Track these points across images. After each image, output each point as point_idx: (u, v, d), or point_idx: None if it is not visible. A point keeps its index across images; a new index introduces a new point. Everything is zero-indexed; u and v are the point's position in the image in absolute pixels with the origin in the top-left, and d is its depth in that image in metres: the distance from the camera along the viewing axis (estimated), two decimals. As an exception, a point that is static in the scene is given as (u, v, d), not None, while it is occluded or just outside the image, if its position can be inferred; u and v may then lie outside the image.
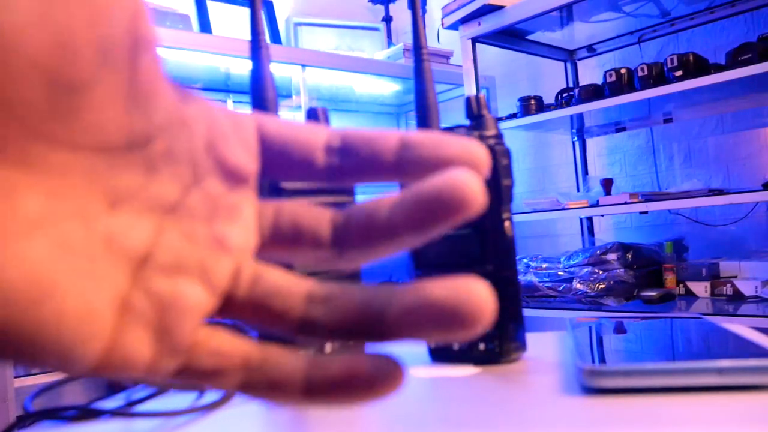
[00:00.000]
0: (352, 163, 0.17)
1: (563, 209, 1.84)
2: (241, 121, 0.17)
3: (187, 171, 0.15)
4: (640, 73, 1.62)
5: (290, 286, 0.16)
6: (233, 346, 0.15)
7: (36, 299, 0.12)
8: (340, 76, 2.18)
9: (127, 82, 0.14)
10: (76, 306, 0.13)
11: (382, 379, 0.15)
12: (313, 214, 0.17)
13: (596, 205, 1.77)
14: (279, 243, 0.17)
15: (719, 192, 1.61)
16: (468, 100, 0.42)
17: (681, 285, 1.76)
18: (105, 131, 0.14)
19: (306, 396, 0.15)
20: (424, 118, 0.45)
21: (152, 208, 0.15)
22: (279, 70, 1.90)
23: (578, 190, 2.13)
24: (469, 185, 0.14)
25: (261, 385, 0.15)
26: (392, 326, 0.15)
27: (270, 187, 0.37)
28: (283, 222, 0.17)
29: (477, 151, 0.16)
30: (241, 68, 1.92)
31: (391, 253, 0.16)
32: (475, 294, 0.14)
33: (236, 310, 0.16)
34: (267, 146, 0.17)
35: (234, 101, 2.13)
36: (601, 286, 1.78)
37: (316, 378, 0.15)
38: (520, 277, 0.46)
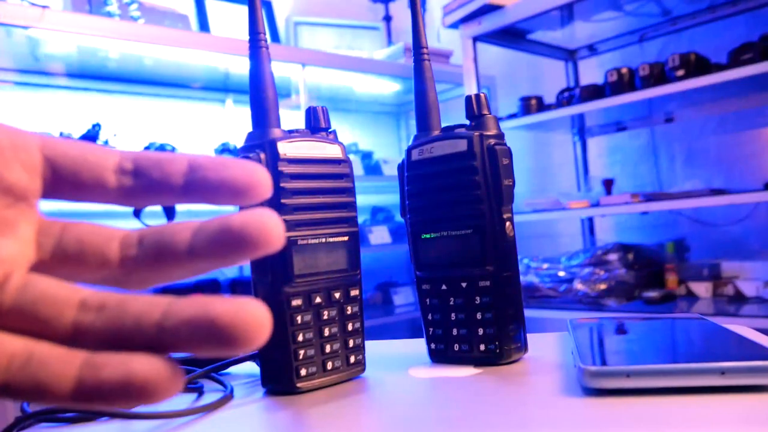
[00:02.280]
0: (143, 184, 0.17)
1: (564, 209, 1.84)
2: (21, 140, 0.17)
3: None
4: (641, 73, 1.62)
5: (62, 293, 0.16)
6: None
7: None
8: (339, 75, 2.18)
9: None
10: None
11: (157, 383, 0.14)
12: (102, 234, 0.17)
13: (597, 205, 1.77)
14: (63, 261, 0.17)
15: (721, 192, 1.61)
16: (468, 99, 0.42)
17: (682, 285, 1.76)
18: None
19: (75, 400, 0.15)
20: (424, 117, 0.45)
21: None
22: (278, 70, 1.90)
23: (579, 190, 2.12)
24: (273, 226, 0.16)
25: (25, 387, 0.15)
26: (167, 338, 0.15)
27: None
28: (69, 240, 0.17)
29: (259, 174, 0.17)
30: (241, 68, 1.92)
31: (182, 277, 0.17)
32: (252, 313, 0.14)
33: (3, 318, 0.15)
34: (54, 166, 0.17)
35: (233, 101, 2.13)
36: (602, 286, 1.78)
37: (88, 382, 0.14)
38: (521, 278, 0.46)
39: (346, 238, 0.40)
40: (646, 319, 0.47)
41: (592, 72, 2.14)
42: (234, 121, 2.11)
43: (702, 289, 1.70)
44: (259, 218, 0.16)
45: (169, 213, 1.49)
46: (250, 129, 0.39)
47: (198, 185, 0.17)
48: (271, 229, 0.16)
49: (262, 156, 0.37)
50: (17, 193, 0.17)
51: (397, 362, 0.44)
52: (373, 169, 2.25)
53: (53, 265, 0.17)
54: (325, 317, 0.39)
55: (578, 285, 1.82)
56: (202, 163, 0.17)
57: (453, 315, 0.43)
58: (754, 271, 1.67)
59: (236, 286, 1.99)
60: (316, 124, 0.41)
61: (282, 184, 0.37)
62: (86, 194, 0.18)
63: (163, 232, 0.17)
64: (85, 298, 0.16)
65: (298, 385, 0.38)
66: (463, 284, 0.42)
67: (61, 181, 0.17)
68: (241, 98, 2.12)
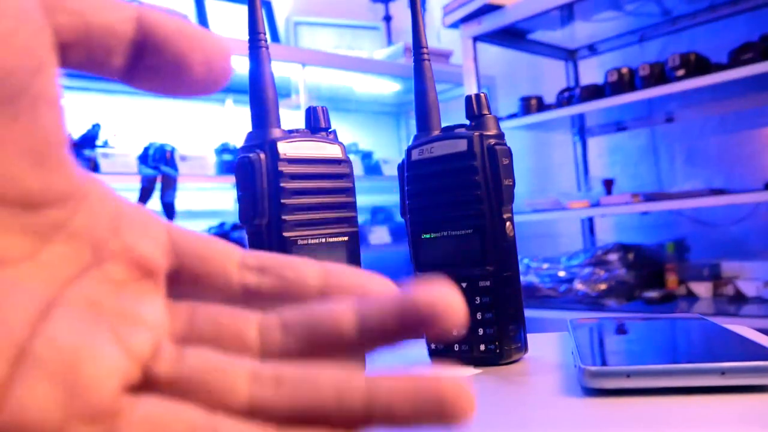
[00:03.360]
0: (269, 284, 0.16)
1: (564, 209, 1.84)
2: (152, 219, 0.16)
3: (87, 250, 0.14)
4: (642, 73, 1.62)
5: (227, 363, 0.14)
6: (170, 418, 0.13)
7: None
8: (339, 75, 2.18)
9: (25, 135, 0.13)
10: None
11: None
12: (239, 316, 0.15)
13: (597, 205, 1.77)
14: (198, 344, 0.15)
15: (721, 192, 1.61)
16: (468, 99, 0.42)
17: (682, 285, 1.76)
18: None
19: None
20: (424, 117, 0.45)
21: (46, 278, 0.13)
22: (278, 70, 1.90)
23: (579, 190, 2.12)
24: (458, 302, 0.14)
25: None
26: (378, 414, 0.13)
27: (270, 187, 0.37)
28: (202, 323, 0.15)
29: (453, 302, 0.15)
30: (241, 67, 1.92)
31: (337, 362, 0.15)
32: (460, 389, 0.14)
33: (164, 390, 0.14)
34: (178, 252, 0.16)
35: (233, 101, 2.13)
36: (602, 286, 1.78)
37: None
38: (521, 278, 0.46)
39: (346, 238, 0.40)
40: (647, 320, 0.47)
41: (592, 72, 2.14)
42: (234, 121, 2.11)
43: (702, 289, 1.70)
44: (445, 293, 0.14)
45: (169, 212, 1.49)
46: (249, 129, 0.39)
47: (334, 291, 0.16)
48: (458, 306, 0.14)
49: (262, 156, 0.37)
50: (146, 268, 0.15)
51: (396, 362, 0.44)
52: (373, 169, 2.25)
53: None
54: (325, 317, 0.39)
55: (578, 285, 1.82)
56: (338, 271, 0.16)
57: (453, 315, 0.43)
58: (755, 271, 1.67)
59: None
60: (316, 124, 0.40)
61: (282, 184, 0.37)
62: (205, 289, 0.16)
63: (313, 314, 0.15)
64: (255, 370, 0.14)
65: (298, 385, 0.37)
66: (463, 284, 0.42)
67: (183, 271, 0.16)
68: (241, 98, 2.12)
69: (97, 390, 0.12)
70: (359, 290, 0.16)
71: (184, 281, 0.16)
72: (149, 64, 0.16)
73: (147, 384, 0.14)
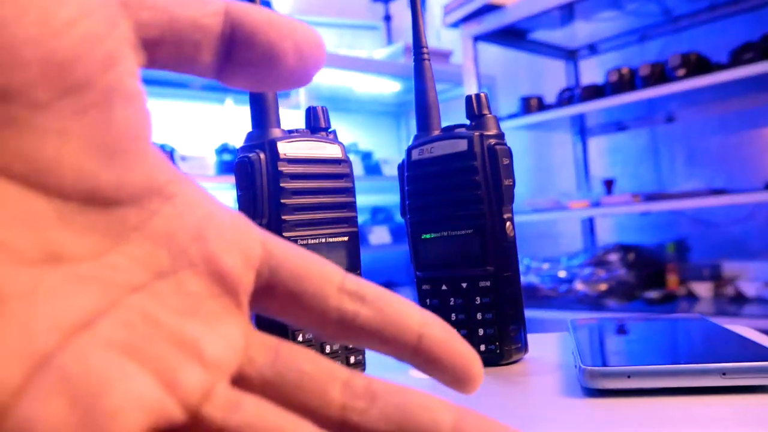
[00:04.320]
0: (367, 315, 0.15)
1: (564, 209, 1.84)
2: (247, 229, 0.15)
3: (163, 255, 0.13)
4: (642, 73, 1.62)
5: (286, 423, 0.13)
6: None
7: None
8: (339, 75, 2.18)
9: (95, 128, 0.12)
10: None
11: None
12: (323, 369, 0.14)
13: (598, 205, 1.77)
14: (275, 390, 0.14)
15: (721, 192, 1.61)
16: (468, 99, 0.42)
17: (683, 286, 1.76)
18: (55, 172, 0.12)
19: None
20: (424, 117, 0.45)
21: (106, 281, 0.12)
22: (280, 70, 1.90)
23: (579, 190, 2.12)
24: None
25: None
26: None
27: (269, 187, 0.37)
28: (285, 368, 0.14)
29: (476, 369, 0.16)
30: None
31: None
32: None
33: None
34: (272, 268, 0.15)
35: (233, 101, 2.13)
36: (603, 286, 1.78)
37: None
38: (521, 278, 0.46)
39: (346, 239, 0.40)
40: (647, 320, 0.47)
41: (592, 72, 2.14)
42: (234, 121, 2.11)
43: (703, 289, 1.70)
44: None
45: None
46: (249, 129, 0.39)
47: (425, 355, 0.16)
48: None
49: (262, 156, 0.37)
50: (228, 284, 0.14)
51: (397, 362, 0.44)
52: (373, 169, 2.25)
53: (261, 391, 0.13)
54: (325, 317, 0.39)
55: (579, 285, 1.82)
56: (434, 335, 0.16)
57: (453, 315, 0.42)
58: (755, 272, 1.67)
59: None
60: (316, 124, 0.40)
61: (282, 184, 0.37)
62: (300, 310, 0.15)
63: (412, 402, 0.15)
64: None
65: (298, 385, 0.37)
66: (463, 284, 0.42)
67: (277, 288, 0.15)
68: (240, 98, 2.12)
69: (116, 422, 0.11)
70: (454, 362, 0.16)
71: (278, 298, 0.15)
72: (240, 58, 0.15)
73: (191, 427, 0.12)
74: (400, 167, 0.45)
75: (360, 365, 0.41)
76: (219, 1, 0.15)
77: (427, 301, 0.44)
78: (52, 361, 0.11)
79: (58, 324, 0.11)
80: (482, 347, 0.41)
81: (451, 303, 0.43)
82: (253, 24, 0.15)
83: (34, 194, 0.12)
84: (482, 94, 0.42)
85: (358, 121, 2.55)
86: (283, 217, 0.37)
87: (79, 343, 0.11)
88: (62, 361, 0.11)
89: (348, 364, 0.40)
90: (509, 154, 0.41)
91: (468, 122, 0.42)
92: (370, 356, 0.42)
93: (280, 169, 0.37)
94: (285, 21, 0.15)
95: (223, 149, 1.90)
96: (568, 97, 1.82)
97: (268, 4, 2.25)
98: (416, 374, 0.41)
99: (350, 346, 0.40)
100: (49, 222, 0.12)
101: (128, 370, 0.12)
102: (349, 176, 0.41)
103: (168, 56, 0.14)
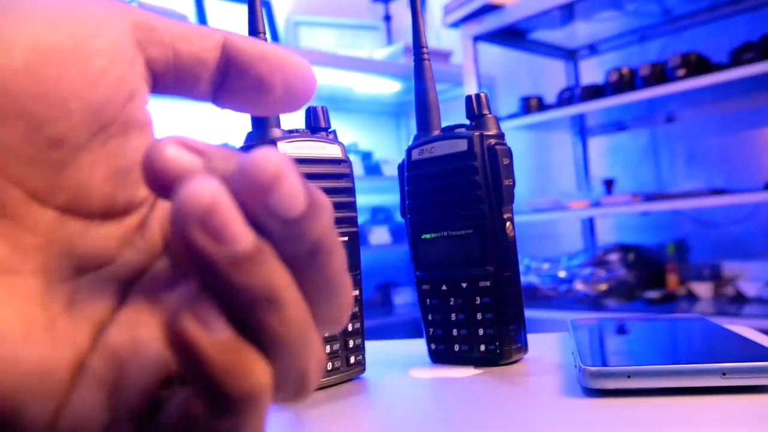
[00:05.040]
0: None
1: (564, 209, 1.84)
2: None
3: (160, 241, 0.16)
4: (642, 73, 1.62)
5: None
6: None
7: None
8: (339, 75, 2.18)
9: (115, 156, 0.14)
10: (33, 361, 0.12)
11: None
12: None
13: (598, 205, 1.77)
14: None
15: (721, 192, 1.60)
16: (468, 99, 0.42)
17: (683, 286, 1.76)
18: (85, 195, 0.14)
19: None
20: (424, 117, 0.45)
21: (119, 277, 0.15)
22: (280, 70, 1.90)
23: (579, 190, 2.12)
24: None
25: None
26: None
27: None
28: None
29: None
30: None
31: None
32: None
33: None
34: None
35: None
36: (603, 286, 1.78)
37: None
38: (521, 278, 0.46)
39: (345, 239, 0.40)
40: (647, 320, 0.47)
41: (592, 72, 2.14)
42: (234, 121, 2.11)
43: (703, 289, 1.70)
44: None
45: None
46: (249, 129, 0.39)
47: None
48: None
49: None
50: None
51: (397, 363, 0.44)
52: (373, 169, 2.25)
53: None
54: (325, 317, 0.39)
55: (579, 285, 1.82)
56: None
57: (453, 315, 0.42)
58: (755, 272, 1.67)
59: None
60: (316, 124, 0.40)
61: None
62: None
63: None
64: None
65: (298, 385, 0.37)
66: (464, 284, 0.42)
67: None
68: (241, 98, 2.12)
69: (135, 384, 0.13)
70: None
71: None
72: (234, 86, 0.17)
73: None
74: (400, 167, 0.45)
75: (360, 365, 0.41)
76: (217, 35, 0.16)
77: (427, 301, 0.44)
78: (87, 362, 0.13)
79: (89, 327, 0.14)
80: (482, 347, 0.41)
81: (451, 303, 0.43)
82: (246, 56, 0.16)
83: (60, 214, 0.14)
84: (482, 94, 0.42)
85: (358, 121, 2.55)
86: (283, 217, 0.37)
87: (103, 335, 0.14)
88: (94, 359, 0.13)
89: (348, 364, 0.40)
90: (509, 154, 0.41)
91: (468, 122, 0.42)
92: (370, 356, 0.42)
93: (280, 169, 0.37)
94: (277, 55, 0.17)
95: (223, 149, 1.90)
96: (568, 97, 1.82)
97: (268, 6, 2.25)
98: (416, 374, 0.41)
99: (350, 347, 0.40)
100: (77, 238, 0.14)
101: (140, 338, 0.14)
102: (349, 176, 0.41)
103: (169, 85, 0.16)
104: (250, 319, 0.12)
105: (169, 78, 0.16)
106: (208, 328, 0.12)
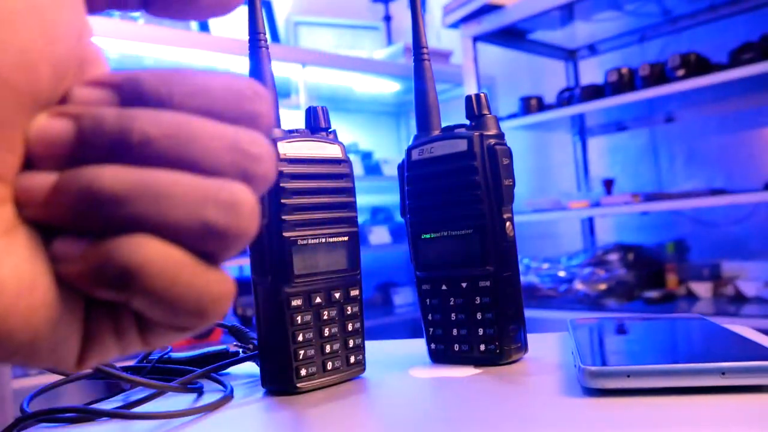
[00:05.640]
0: None
1: (564, 209, 1.84)
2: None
3: None
4: (642, 73, 1.62)
5: None
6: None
7: None
8: (339, 75, 2.18)
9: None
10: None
11: None
12: None
13: (597, 205, 1.77)
14: None
15: (721, 192, 1.61)
16: (468, 99, 0.42)
17: (682, 286, 1.76)
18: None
19: None
20: (424, 117, 0.45)
21: None
22: (278, 70, 1.90)
23: (579, 190, 2.12)
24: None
25: None
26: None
27: (270, 188, 0.37)
28: None
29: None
30: (241, 67, 1.92)
31: None
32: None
33: None
34: None
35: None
36: (602, 286, 1.78)
37: None
38: (521, 278, 0.46)
39: (346, 238, 0.40)
40: (647, 320, 0.47)
41: (592, 72, 2.14)
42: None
43: (702, 289, 1.70)
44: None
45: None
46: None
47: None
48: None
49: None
50: None
51: (397, 362, 0.44)
52: (373, 169, 2.25)
53: None
54: (325, 317, 0.39)
55: (578, 285, 1.82)
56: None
57: (453, 315, 0.43)
58: (755, 271, 1.67)
59: (236, 286, 1.99)
60: (316, 124, 0.40)
61: (282, 184, 0.37)
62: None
63: None
64: None
65: (298, 385, 0.38)
66: (463, 284, 0.42)
67: None
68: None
69: None
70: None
71: None
72: None
73: None
74: (400, 167, 0.45)
75: (360, 365, 0.41)
76: None
77: (427, 301, 0.44)
78: None
79: None
80: (482, 347, 0.41)
81: (451, 303, 0.43)
82: None
83: None
84: (482, 95, 0.42)
85: (358, 121, 2.55)
86: (283, 217, 0.37)
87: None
88: None
89: (348, 364, 0.40)
90: (509, 154, 0.42)
91: (468, 122, 0.42)
92: (370, 356, 0.42)
93: (280, 169, 0.37)
94: None
95: (223, 149, 1.90)
96: (567, 98, 1.82)
97: (268, 6, 2.25)
98: (416, 374, 0.41)
99: (350, 346, 0.40)
100: None
101: None
102: (349, 176, 0.41)
103: (102, 4, 0.17)
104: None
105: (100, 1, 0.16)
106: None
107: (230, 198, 0.14)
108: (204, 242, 0.14)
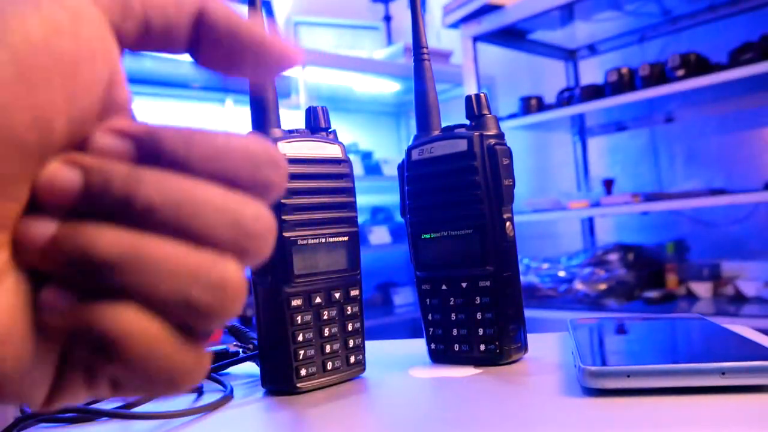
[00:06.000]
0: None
1: (564, 209, 1.84)
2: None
3: None
4: (642, 73, 1.62)
5: None
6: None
7: None
8: (339, 75, 2.18)
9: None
10: None
11: None
12: None
13: (597, 205, 1.77)
14: None
15: (721, 192, 1.61)
16: (468, 99, 0.42)
17: (682, 285, 1.76)
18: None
19: None
20: (424, 117, 0.45)
21: None
22: (279, 70, 1.90)
23: (579, 190, 2.12)
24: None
25: None
26: None
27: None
28: None
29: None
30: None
31: None
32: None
33: None
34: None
35: (233, 101, 2.13)
36: (602, 286, 1.78)
37: None
38: (521, 278, 0.46)
39: (346, 238, 0.40)
40: (647, 319, 0.47)
41: (592, 72, 2.14)
42: (234, 121, 2.11)
43: (702, 289, 1.70)
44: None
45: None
46: (249, 129, 0.39)
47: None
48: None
49: (262, 156, 0.37)
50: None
51: (397, 362, 0.44)
52: (373, 169, 2.25)
53: None
54: (325, 317, 0.39)
55: (578, 285, 1.82)
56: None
57: (453, 315, 0.43)
58: (755, 271, 1.67)
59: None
60: (316, 124, 0.40)
61: (282, 184, 0.37)
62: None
63: None
64: None
65: (298, 385, 0.38)
66: (463, 284, 0.42)
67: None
68: (240, 98, 2.12)
69: None
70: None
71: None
72: (208, 52, 0.17)
73: None
74: (400, 167, 0.45)
75: (360, 365, 0.41)
76: (192, 3, 0.17)
77: (427, 301, 0.44)
78: None
79: None
80: (482, 347, 0.41)
81: (451, 303, 0.43)
82: (219, 30, 0.17)
83: None
84: (482, 95, 0.42)
85: (358, 121, 2.55)
86: (283, 217, 0.37)
87: None
88: None
89: (348, 364, 0.40)
90: (509, 154, 0.42)
91: (468, 122, 0.42)
92: (370, 356, 0.42)
93: (280, 169, 0.37)
94: (250, 32, 0.17)
95: (223, 149, 1.90)
96: (567, 98, 1.82)
97: (268, 6, 2.25)
98: (416, 374, 0.41)
99: (350, 346, 0.40)
100: None
101: None
102: (349, 176, 0.41)
103: (141, 47, 0.17)
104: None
105: (141, 44, 0.16)
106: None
107: (219, 278, 0.14)
108: (186, 317, 0.14)
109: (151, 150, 0.15)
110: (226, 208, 0.15)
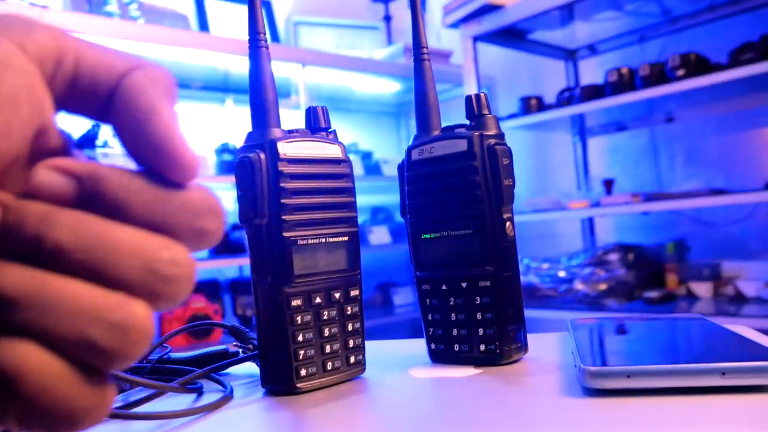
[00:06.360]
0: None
1: (564, 209, 1.84)
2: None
3: None
4: (642, 73, 1.62)
5: None
6: None
7: None
8: (339, 75, 2.18)
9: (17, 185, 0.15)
10: None
11: None
12: None
13: (597, 205, 1.77)
14: None
15: (721, 192, 1.61)
16: (468, 99, 0.42)
17: (682, 286, 1.76)
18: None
19: None
20: (424, 117, 0.45)
21: None
22: (278, 70, 1.90)
23: (579, 190, 2.12)
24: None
25: None
26: None
27: (269, 187, 0.37)
28: None
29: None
30: (241, 67, 1.92)
31: None
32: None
33: None
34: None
35: (233, 101, 2.13)
36: (602, 286, 1.78)
37: None
38: (521, 278, 0.46)
39: (346, 238, 0.40)
40: (647, 320, 0.47)
41: (592, 72, 2.14)
42: (234, 121, 2.11)
43: (702, 289, 1.70)
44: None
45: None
46: (249, 129, 0.39)
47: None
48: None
49: (262, 156, 0.37)
50: None
51: (397, 362, 0.44)
52: (373, 169, 2.25)
53: None
54: (325, 317, 0.39)
55: (578, 285, 1.82)
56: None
57: (453, 315, 0.43)
58: (755, 271, 1.67)
59: (236, 286, 1.99)
60: (316, 124, 0.40)
61: (282, 184, 0.37)
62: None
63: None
64: None
65: (298, 385, 0.38)
66: (463, 284, 0.42)
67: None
68: (241, 98, 2.12)
69: None
70: None
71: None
72: (117, 122, 0.17)
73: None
74: (400, 167, 0.45)
75: (360, 365, 0.41)
76: (117, 73, 0.17)
77: (427, 301, 0.44)
78: None
79: None
80: (482, 347, 0.41)
81: (451, 303, 0.43)
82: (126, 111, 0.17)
83: None
84: (482, 94, 0.42)
85: (358, 121, 2.55)
86: (283, 217, 0.37)
87: None
88: None
89: (348, 364, 0.40)
90: (509, 154, 0.42)
91: (468, 122, 0.42)
92: (370, 356, 0.42)
93: (280, 169, 0.37)
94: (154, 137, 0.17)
95: (224, 149, 1.90)
96: (567, 97, 1.82)
97: (268, 6, 2.25)
98: (416, 374, 0.41)
99: (350, 346, 0.40)
100: None
101: None
102: (349, 176, 0.41)
103: (67, 108, 0.17)
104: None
105: (63, 102, 0.16)
106: None
107: (122, 320, 0.14)
108: (86, 356, 0.14)
109: (92, 190, 0.15)
110: (141, 252, 0.15)
